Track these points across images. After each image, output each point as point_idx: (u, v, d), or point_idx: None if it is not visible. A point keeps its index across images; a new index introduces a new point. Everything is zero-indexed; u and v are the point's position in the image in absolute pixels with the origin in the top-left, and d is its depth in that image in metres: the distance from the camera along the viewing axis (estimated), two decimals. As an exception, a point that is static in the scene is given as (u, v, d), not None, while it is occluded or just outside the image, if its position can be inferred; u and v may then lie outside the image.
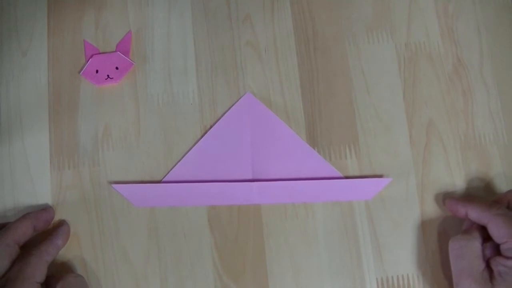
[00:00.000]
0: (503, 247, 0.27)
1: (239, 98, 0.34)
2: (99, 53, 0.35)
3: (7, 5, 0.36)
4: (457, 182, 0.33)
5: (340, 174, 0.33)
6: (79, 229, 0.33)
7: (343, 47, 0.35)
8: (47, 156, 0.34)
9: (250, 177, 0.33)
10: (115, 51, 0.35)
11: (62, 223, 0.32)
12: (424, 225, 0.32)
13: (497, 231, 0.28)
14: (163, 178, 0.33)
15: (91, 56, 0.35)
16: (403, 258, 0.32)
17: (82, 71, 0.35)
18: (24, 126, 0.34)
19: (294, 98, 0.34)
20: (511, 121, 0.33)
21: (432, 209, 0.32)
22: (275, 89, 0.34)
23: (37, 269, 0.28)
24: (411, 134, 0.33)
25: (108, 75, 0.34)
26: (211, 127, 0.34)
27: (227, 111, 0.34)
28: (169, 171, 0.33)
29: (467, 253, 0.28)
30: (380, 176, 0.33)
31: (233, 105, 0.34)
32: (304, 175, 0.33)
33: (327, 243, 0.32)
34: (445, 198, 0.32)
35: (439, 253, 0.32)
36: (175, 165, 0.33)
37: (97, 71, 0.35)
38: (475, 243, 0.28)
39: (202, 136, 0.33)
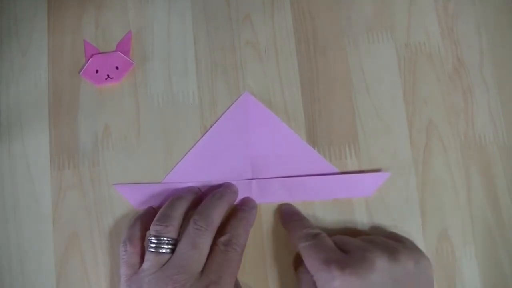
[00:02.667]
0: (315, 279, 0.26)
1: (237, 98, 0.34)
2: (99, 53, 0.35)
3: (7, 5, 0.36)
4: (457, 182, 0.33)
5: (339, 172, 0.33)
6: (79, 229, 0.33)
7: (343, 47, 0.35)
8: (47, 156, 0.34)
9: (249, 176, 0.33)
10: (115, 51, 0.35)
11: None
12: (424, 225, 0.32)
13: (306, 264, 0.27)
14: (163, 178, 0.33)
15: (91, 56, 0.35)
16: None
17: (82, 71, 0.35)
18: (24, 126, 0.34)
19: (294, 98, 0.34)
20: (511, 121, 0.33)
21: (432, 209, 0.32)
22: (275, 89, 0.34)
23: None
24: (411, 134, 0.33)
25: (108, 75, 0.34)
26: (211, 127, 0.34)
27: (226, 111, 0.34)
28: (169, 171, 0.33)
29: (303, 286, 0.28)
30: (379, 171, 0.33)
31: (231, 104, 0.34)
32: (304, 174, 0.33)
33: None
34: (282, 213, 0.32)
35: (439, 253, 0.32)
36: (175, 165, 0.33)
37: (97, 71, 0.34)
38: (307, 276, 0.28)
39: (202, 136, 0.33)
